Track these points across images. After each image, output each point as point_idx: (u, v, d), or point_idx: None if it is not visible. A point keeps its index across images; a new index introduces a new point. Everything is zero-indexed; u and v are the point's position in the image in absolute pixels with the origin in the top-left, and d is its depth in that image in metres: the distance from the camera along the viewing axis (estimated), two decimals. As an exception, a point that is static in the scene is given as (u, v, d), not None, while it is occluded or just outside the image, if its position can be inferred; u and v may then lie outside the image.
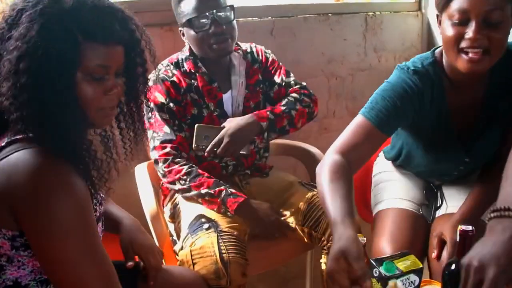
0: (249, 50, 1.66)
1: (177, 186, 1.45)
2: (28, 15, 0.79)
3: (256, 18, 2.04)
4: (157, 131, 1.48)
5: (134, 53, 0.94)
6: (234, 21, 1.52)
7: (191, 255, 1.30)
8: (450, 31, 1.14)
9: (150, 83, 1.48)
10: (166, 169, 1.45)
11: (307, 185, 1.61)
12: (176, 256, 1.40)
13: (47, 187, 0.77)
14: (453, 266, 0.94)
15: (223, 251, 1.27)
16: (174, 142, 1.47)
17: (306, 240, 1.51)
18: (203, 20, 1.46)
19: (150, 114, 1.49)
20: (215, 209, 1.43)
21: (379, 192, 1.57)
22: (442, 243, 1.29)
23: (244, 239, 1.41)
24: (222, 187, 1.43)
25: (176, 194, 1.54)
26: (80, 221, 0.81)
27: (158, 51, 1.72)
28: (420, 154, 1.44)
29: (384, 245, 1.36)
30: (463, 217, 1.28)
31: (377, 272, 0.98)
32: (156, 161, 1.47)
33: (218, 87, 1.56)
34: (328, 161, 1.18)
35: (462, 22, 1.12)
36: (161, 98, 1.49)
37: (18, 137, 0.82)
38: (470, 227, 0.94)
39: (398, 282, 0.97)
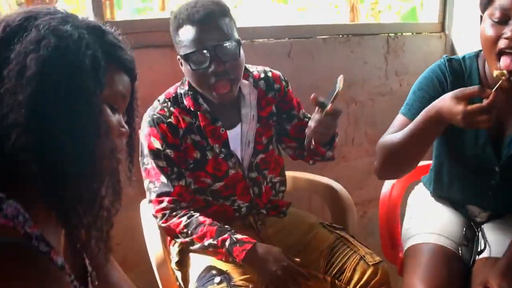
0: (262, 75, 1.45)
1: (180, 239, 1.31)
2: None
3: (273, 39, 1.92)
4: (154, 181, 1.32)
5: (134, 86, 0.80)
6: (240, 59, 1.31)
7: None
8: (488, 31, 1.11)
9: (145, 126, 1.33)
10: (164, 225, 1.30)
11: (329, 226, 1.45)
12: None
13: None
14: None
15: None
16: (172, 193, 1.31)
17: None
18: (202, 56, 1.26)
19: (145, 160, 1.34)
20: (223, 259, 1.28)
21: (413, 225, 1.44)
22: None
23: None
24: (226, 235, 1.26)
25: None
26: None
27: (167, 73, 1.65)
28: (450, 165, 1.35)
29: (417, 284, 1.23)
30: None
31: None
32: (154, 216, 1.33)
33: (223, 125, 1.37)
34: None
35: (502, 21, 1.08)
36: (157, 144, 1.32)
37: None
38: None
39: None
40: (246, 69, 1.40)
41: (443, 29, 2.37)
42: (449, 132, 1.20)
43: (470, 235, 1.36)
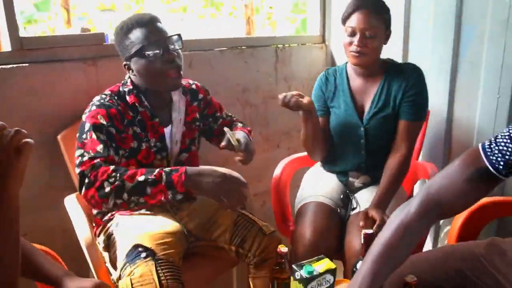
0: (189, 87, 1.72)
1: (108, 188, 1.31)
2: None
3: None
4: (89, 151, 1.39)
5: None
6: (181, 51, 1.54)
7: (131, 284, 1.35)
8: (345, 40, 1.72)
9: (93, 107, 1.48)
10: (92, 175, 1.34)
11: None
12: (115, 284, 1.44)
13: None
14: (359, 264, 1.13)
15: (162, 278, 1.35)
16: (107, 158, 1.40)
17: (233, 257, 1.64)
18: (155, 47, 1.46)
19: (84, 135, 1.43)
20: (162, 199, 1.33)
21: (304, 192, 1.87)
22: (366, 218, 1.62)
23: (179, 263, 1.48)
24: (158, 170, 1.35)
25: (110, 223, 1.59)
26: None
27: (81, 86, 1.83)
28: (334, 139, 1.85)
29: (306, 230, 1.65)
30: (380, 200, 1.66)
31: (299, 275, 1.14)
32: (82, 174, 1.36)
33: (160, 122, 1.59)
34: None
35: (352, 35, 1.69)
36: (103, 120, 1.45)
37: None
38: (371, 231, 1.14)
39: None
40: None
41: (323, 41, 2.77)
42: (331, 114, 1.82)
43: (346, 200, 1.82)
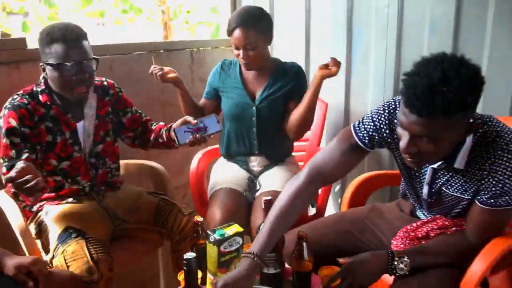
0: (100, 84, 1.86)
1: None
2: None
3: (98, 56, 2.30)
4: (4, 157, 1.55)
5: None
6: (94, 72, 1.70)
7: (65, 260, 1.52)
8: (235, 52, 1.99)
9: (5, 111, 1.60)
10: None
11: (153, 193, 1.96)
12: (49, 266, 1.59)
13: None
14: (261, 226, 1.39)
15: (93, 252, 1.53)
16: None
17: (157, 237, 1.85)
18: (70, 67, 1.59)
19: (3, 140, 1.56)
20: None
21: (214, 181, 2.12)
22: None
23: (107, 242, 1.67)
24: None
25: (39, 213, 1.72)
26: None
27: (4, 88, 1.93)
28: (229, 125, 2.12)
29: (216, 212, 1.89)
30: None
31: (213, 238, 1.36)
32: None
33: (72, 117, 1.73)
34: None
35: (236, 48, 1.96)
36: (14, 123, 1.57)
37: None
38: (270, 197, 1.41)
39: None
40: None
41: (234, 44, 3.03)
42: (224, 100, 2.10)
43: (251, 184, 2.09)
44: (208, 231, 1.38)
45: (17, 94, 1.67)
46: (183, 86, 2.08)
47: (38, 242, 1.72)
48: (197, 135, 1.78)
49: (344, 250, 1.60)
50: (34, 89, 1.70)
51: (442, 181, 1.39)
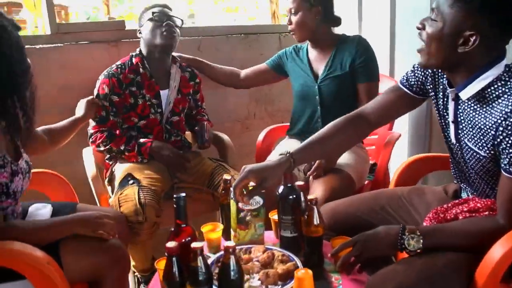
0: (188, 67, 2.23)
1: (102, 148, 1.99)
2: None
3: (188, 38, 2.56)
4: (96, 114, 2.01)
5: None
6: (178, 30, 2.08)
7: (118, 201, 1.77)
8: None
9: (101, 77, 2.02)
10: (94, 137, 2.00)
11: (213, 159, 2.14)
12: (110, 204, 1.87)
13: None
14: (280, 189, 1.46)
15: (141, 197, 1.76)
16: (107, 124, 2.01)
17: (210, 199, 2.02)
18: (161, 17, 2.01)
19: None
20: (134, 161, 1.99)
21: (272, 154, 2.20)
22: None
23: (160, 194, 1.88)
24: (134, 141, 1.98)
25: (114, 166, 2.03)
26: None
27: (105, 62, 2.28)
28: (295, 104, 2.22)
29: None
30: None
31: (233, 195, 1.47)
32: (90, 135, 2.01)
33: (156, 83, 2.06)
34: None
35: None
36: (106, 90, 2.00)
37: None
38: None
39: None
40: (174, 57, 2.12)
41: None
42: (292, 80, 2.20)
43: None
44: (231, 189, 1.50)
45: (115, 64, 2.07)
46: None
47: (109, 189, 2.03)
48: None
49: (376, 225, 1.58)
50: (131, 54, 2.10)
51: (464, 133, 1.34)
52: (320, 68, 2.15)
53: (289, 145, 2.21)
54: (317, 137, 1.54)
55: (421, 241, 1.26)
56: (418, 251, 1.26)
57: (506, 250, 1.15)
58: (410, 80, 1.50)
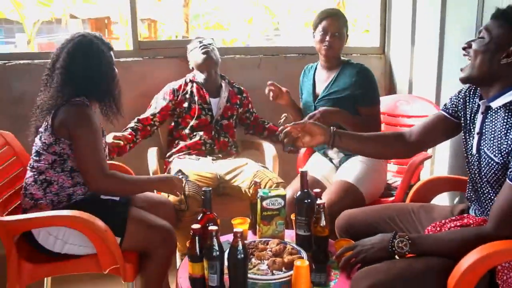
0: (236, 85, 2.64)
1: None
2: None
3: (249, 56, 2.89)
4: (147, 109, 2.53)
5: None
6: (215, 52, 2.53)
7: None
8: (320, 38, 2.27)
9: (167, 87, 2.54)
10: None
11: (258, 164, 2.42)
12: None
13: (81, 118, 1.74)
14: (298, 194, 1.71)
15: (186, 189, 2.08)
16: (145, 119, 2.49)
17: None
18: (199, 43, 2.52)
19: (152, 102, 2.54)
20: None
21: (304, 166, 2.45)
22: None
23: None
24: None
25: (171, 164, 2.40)
26: (92, 133, 1.72)
27: (175, 75, 2.67)
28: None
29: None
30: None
31: (259, 195, 1.75)
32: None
33: (206, 91, 2.51)
34: None
35: (325, 33, 2.25)
36: (167, 96, 2.52)
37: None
38: (306, 170, 1.72)
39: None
40: (222, 75, 2.53)
41: (383, 52, 3.21)
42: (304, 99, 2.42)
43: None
44: (258, 190, 1.78)
45: (178, 81, 2.53)
46: (292, 108, 2.43)
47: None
48: None
49: (382, 233, 1.76)
50: (188, 75, 2.60)
51: (485, 143, 1.47)
52: (322, 88, 2.33)
53: (317, 159, 2.45)
54: (361, 134, 1.74)
55: (409, 244, 1.43)
56: (406, 254, 1.44)
57: (476, 258, 1.25)
58: (447, 104, 1.67)
